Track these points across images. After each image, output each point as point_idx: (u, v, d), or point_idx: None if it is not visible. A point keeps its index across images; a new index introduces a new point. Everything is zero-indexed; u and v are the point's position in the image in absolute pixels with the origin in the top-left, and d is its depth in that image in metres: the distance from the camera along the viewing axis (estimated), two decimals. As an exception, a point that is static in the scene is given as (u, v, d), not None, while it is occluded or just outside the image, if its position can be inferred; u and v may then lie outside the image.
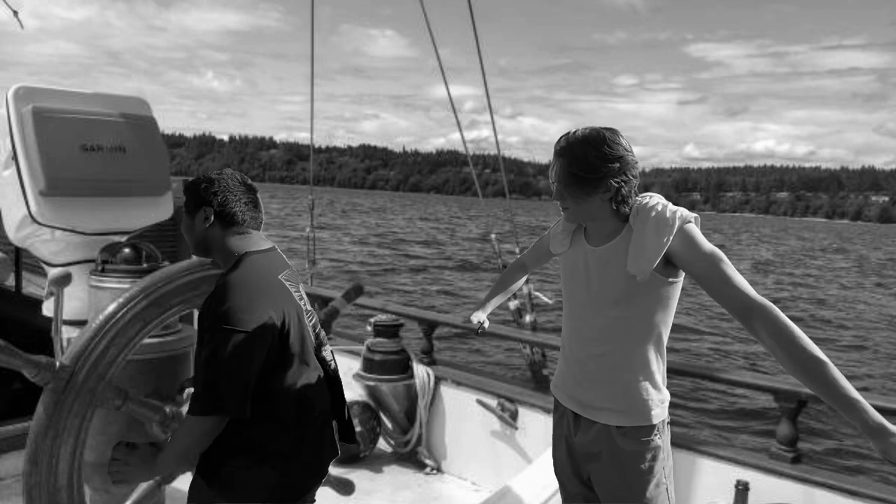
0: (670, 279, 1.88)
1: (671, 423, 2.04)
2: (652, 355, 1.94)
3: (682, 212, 1.85)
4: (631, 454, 1.94)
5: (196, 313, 2.49)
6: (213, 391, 1.69)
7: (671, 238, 1.81)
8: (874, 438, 1.51)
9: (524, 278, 2.58)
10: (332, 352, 2.04)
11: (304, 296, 1.98)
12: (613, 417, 1.95)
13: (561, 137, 1.93)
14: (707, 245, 1.82)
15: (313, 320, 1.97)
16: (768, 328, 1.67)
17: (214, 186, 1.86)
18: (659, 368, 1.97)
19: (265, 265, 1.85)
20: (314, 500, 1.92)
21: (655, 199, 1.92)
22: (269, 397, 1.78)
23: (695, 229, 1.85)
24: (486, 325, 2.40)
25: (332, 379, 2.00)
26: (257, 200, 1.92)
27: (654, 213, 1.85)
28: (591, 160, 1.84)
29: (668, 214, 1.84)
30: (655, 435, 1.96)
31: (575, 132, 1.90)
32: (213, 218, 1.85)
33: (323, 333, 2.02)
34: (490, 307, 2.46)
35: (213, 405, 1.69)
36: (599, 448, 1.98)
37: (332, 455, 1.97)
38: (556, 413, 2.16)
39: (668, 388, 2.03)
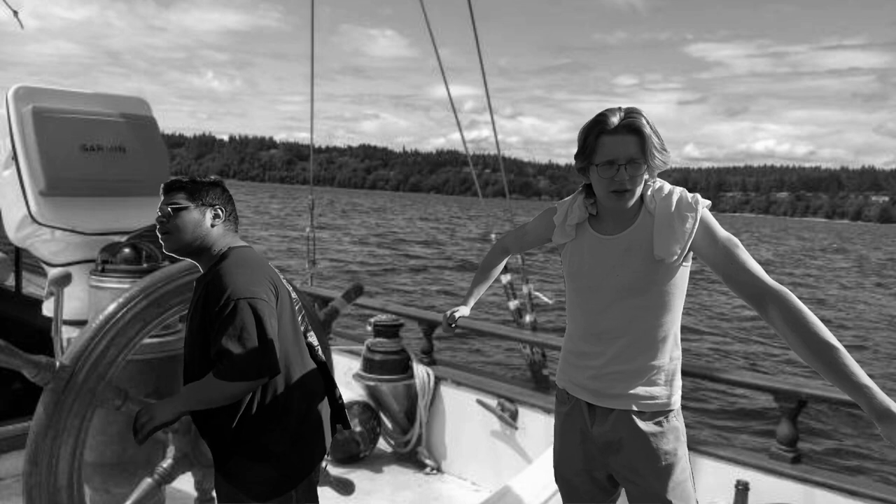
0: (684, 263, 1.87)
1: None
2: (670, 340, 1.92)
3: (699, 196, 1.84)
4: (653, 436, 1.90)
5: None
6: (247, 357, 1.78)
7: (697, 220, 1.80)
8: (880, 422, 1.50)
9: (504, 262, 2.45)
10: (315, 338, 2.17)
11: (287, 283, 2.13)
12: (632, 402, 1.91)
13: (612, 113, 1.80)
14: (722, 230, 1.81)
15: (298, 305, 2.11)
16: (783, 312, 1.65)
17: (220, 189, 2.03)
18: (676, 354, 1.95)
19: (253, 252, 2.03)
20: (320, 477, 2.04)
21: (667, 184, 1.89)
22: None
23: (710, 215, 1.84)
24: (463, 314, 2.31)
25: (320, 363, 2.12)
26: None
27: (675, 197, 1.83)
28: (660, 137, 1.82)
29: (689, 198, 1.83)
30: (674, 417, 1.94)
31: (624, 108, 1.81)
32: (222, 217, 2.00)
33: (307, 320, 2.16)
34: (473, 300, 2.39)
35: (255, 369, 1.81)
36: (619, 435, 1.93)
37: (331, 433, 2.09)
38: (566, 406, 2.06)
39: None
